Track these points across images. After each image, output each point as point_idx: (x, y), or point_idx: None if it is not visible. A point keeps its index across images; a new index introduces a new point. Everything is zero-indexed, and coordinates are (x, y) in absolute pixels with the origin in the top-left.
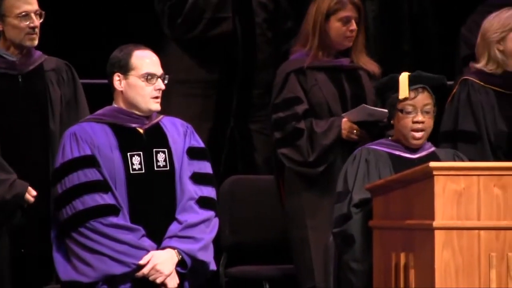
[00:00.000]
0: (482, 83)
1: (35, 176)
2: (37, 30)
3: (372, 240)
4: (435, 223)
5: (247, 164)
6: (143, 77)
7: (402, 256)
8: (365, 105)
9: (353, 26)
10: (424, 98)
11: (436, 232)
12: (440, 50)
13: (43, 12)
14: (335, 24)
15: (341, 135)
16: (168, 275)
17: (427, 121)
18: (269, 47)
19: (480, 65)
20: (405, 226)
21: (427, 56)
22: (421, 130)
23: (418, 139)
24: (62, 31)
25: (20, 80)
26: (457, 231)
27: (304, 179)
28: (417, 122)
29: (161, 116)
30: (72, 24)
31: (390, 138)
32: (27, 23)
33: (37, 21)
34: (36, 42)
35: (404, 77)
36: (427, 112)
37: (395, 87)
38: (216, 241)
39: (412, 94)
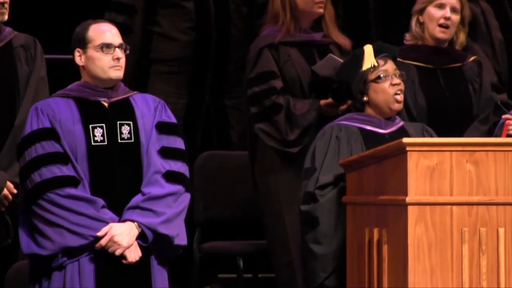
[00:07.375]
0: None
1: None
2: (6, 5)
3: (337, 224)
4: (408, 199)
5: (222, 140)
6: (99, 48)
7: (376, 231)
8: (331, 55)
9: None
10: (392, 64)
11: (409, 208)
12: None
13: None
14: None
15: (318, 117)
16: (127, 247)
17: (401, 83)
18: (243, 23)
19: (406, 39)
20: (379, 202)
21: None
22: (401, 92)
23: (400, 102)
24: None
25: None
26: (430, 207)
27: (279, 155)
28: (395, 84)
29: (134, 92)
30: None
31: (361, 112)
32: None
33: None
34: (6, 17)
35: (369, 48)
36: (400, 75)
37: (360, 61)
38: (190, 217)
39: (381, 62)
